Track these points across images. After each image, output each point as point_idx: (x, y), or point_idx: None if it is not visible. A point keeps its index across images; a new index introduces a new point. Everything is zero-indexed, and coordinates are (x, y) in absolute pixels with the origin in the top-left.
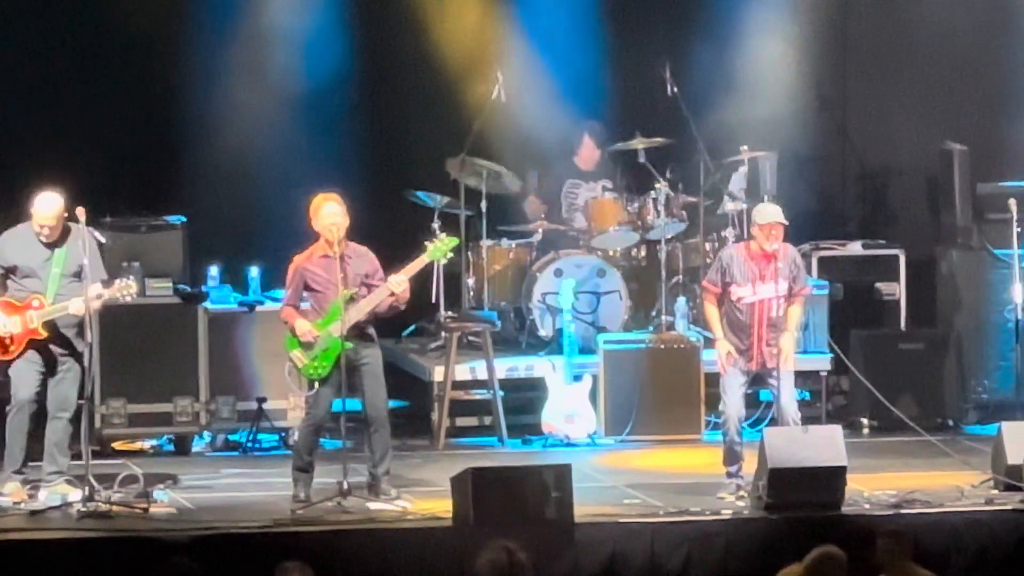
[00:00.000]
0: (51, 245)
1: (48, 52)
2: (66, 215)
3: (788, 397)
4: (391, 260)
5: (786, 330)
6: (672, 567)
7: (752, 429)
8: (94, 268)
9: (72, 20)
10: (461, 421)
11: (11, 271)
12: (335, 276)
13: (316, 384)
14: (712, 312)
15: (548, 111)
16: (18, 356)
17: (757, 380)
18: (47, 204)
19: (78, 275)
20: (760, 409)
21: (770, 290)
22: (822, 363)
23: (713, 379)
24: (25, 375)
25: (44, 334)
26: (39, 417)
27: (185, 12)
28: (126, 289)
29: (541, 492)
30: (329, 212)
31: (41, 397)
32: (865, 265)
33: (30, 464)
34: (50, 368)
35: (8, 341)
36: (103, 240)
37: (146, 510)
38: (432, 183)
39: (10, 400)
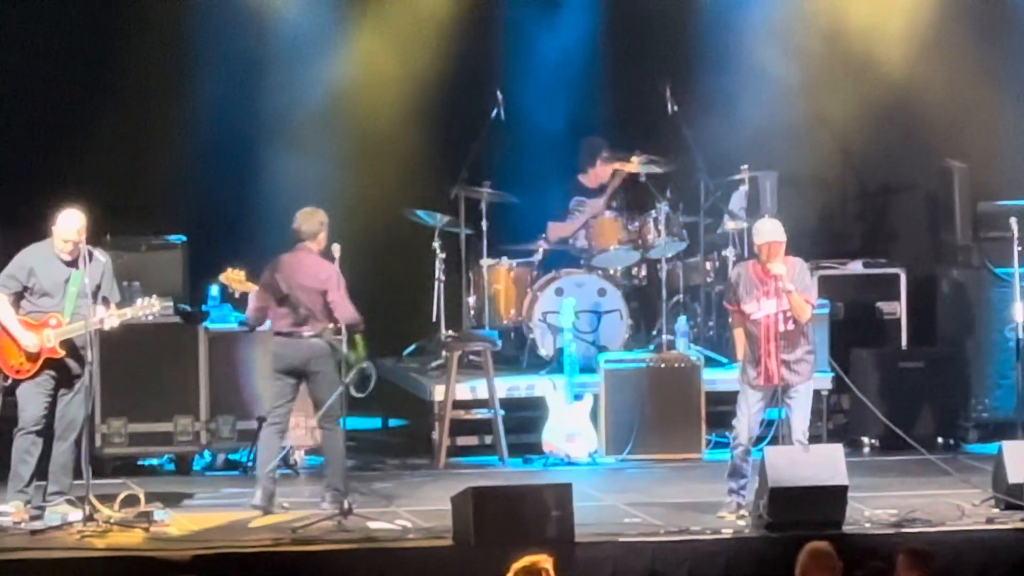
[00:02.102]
0: (70, 264)
1: (50, 74)
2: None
3: (801, 417)
4: (392, 279)
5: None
6: None
7: (755, 448)
8: (108, 288)
9: (75, 41)
10: (462, 440)
11: (27, 289)
12: None
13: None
14: (737, 333)
15: (548, 130)
16: (33, 376)
17: (775, 398)
18: (71, 220)
19: (94, 295)
20: (762, 428)
21: (773, 306)
22: (823, 382)
23: (714, 398)
24: (33, 397)
25: (61, 353)
26: (47, 438)
27: (186, 36)
28: (148, 308)
29: (542, 511)
30: None
31: (48, 419)
32: (866, 284)
33: (35, 484)
34: (58, 389)
35: (37, 355)
36: (104, 258)
37: (147, 529)
38: (433, 201)
39: (17, 421)
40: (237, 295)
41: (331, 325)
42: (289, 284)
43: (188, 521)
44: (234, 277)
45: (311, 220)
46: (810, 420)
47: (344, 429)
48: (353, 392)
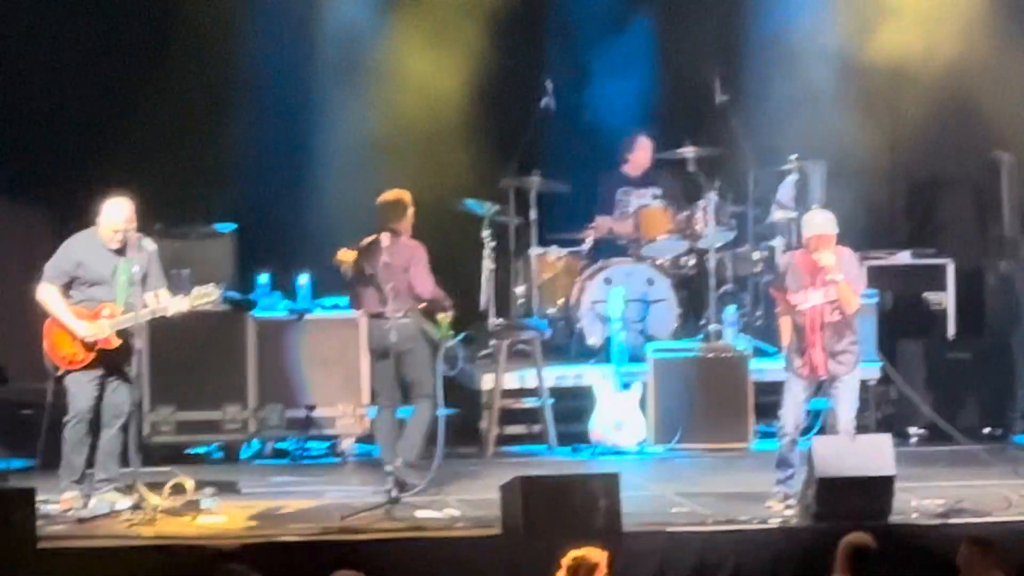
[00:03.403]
0: (117, 253)
1: (101, 62)
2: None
3: (847, 408)
4: (441, 268)
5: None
6: None
7: (802, 438)
8: (156, 276)
9: (124, 29)
10: (510, 429)
11: (76, 279)
12: None
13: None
14: (784, 321)
15: (598, 120)
16: (85, 367)
17: (820, 388)
18: (119, 209)
19: (143, 283)
20: (809, 418)
21: (820, 296)
22: (871, 372)
23: (762, 388)
24: (84, 386)
25: (116, 343)
26: (96, 427)
27: (236, 26)
28: (205, 297)
29: (590, 501)
30: None
31: (98, 408)
32: (913, 275)
33: (85, 472)
34: (107, 377)
35: (93, 345)
36: (151, 246)
37: (195, 518)
38: (482, 190)
39: (67, 410)
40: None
41: (418, 305)
42: (374, 265)
43: (236, 509)
44: (348, 258)
45: (395, 202)
46: (858, 410)
47: (435, 409)
48: (445, 371)
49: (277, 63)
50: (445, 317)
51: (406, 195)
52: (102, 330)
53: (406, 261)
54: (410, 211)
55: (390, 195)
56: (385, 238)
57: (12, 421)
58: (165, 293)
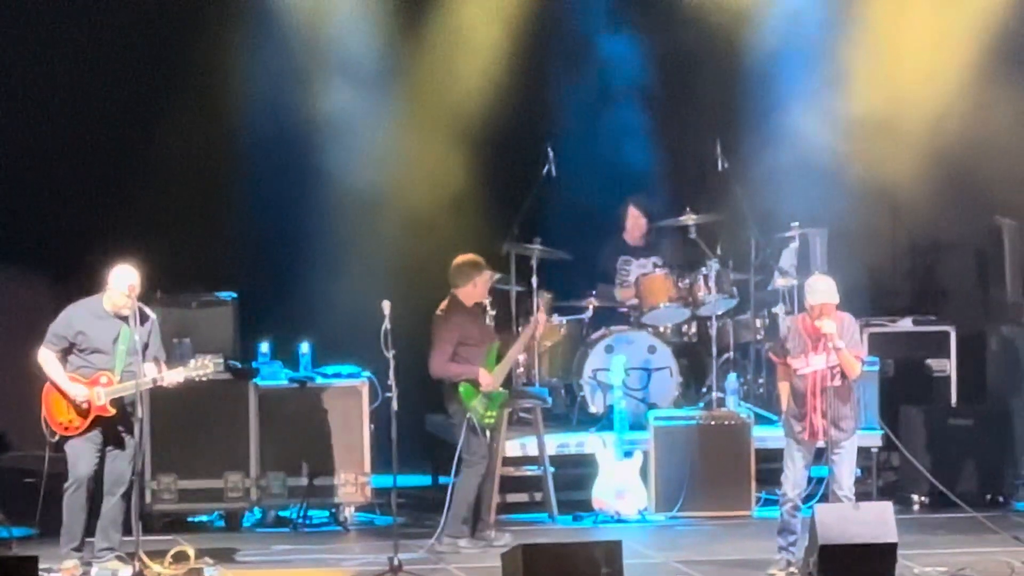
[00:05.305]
0: (120, 321)
1: (103, 130)
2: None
3: (847, 473)
4: None
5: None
6: None
7: (804, 505)
8: (156, 346)
9: (125, 98)
10: (512, 497)
11: (76, 345)
12: (483, 330)
13: (487, 432)
14: (783, 387)
15: (599, 187)
16: (82, 433)
17: (820, 454)
18: (124, 277)
19: (142, 352)
20: (811, 485)
21: (821, 362)
22: (873, 439)
23: (764, 455)
24: (84, 452)
25: (112, 411)
26: (96, 493)
27: (238, 97)
28: (202, 369)
29: (592, 569)
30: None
31: (99, 474)
32: (915, 341)
33: (86, 540)
34: (106, 444)
35: (87, 411)
36: (152, 315)
37: None
38: (484, 258)
39: (67, 476)
40: None
41: None
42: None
43: None
44: None
45: (460, 268)
46: (860, 477)
47: (462, 475)
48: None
49: (279, 133)
50: (468, 389)
51: (473, 262)
52: (97, 397)
53: (433, 332)
54: (475, 279)
55: (460, 257)
56: (447, 302)
57: (15, 489)
58: (162, 364)
